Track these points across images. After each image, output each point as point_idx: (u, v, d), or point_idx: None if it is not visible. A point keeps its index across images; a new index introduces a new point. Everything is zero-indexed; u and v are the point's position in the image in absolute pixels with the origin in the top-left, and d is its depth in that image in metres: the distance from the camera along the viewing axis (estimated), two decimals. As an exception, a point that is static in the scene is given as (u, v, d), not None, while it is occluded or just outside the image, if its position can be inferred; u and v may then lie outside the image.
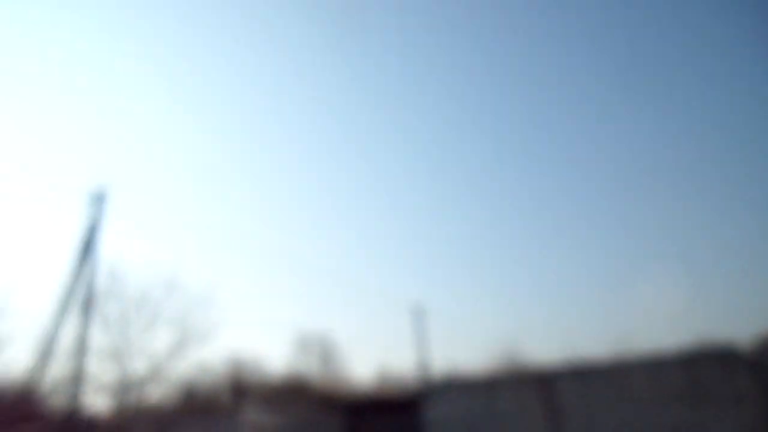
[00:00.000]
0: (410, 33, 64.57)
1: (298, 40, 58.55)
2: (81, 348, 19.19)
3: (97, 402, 20.43)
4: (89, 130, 47.54)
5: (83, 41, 50.58)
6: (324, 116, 64.15)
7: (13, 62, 44.81)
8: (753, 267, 44.16)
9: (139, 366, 22.23)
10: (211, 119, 56.24)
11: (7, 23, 46.19)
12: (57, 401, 18.96)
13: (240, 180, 51.65)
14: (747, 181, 51.52)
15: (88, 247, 19.37)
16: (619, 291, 47.55)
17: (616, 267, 50.51)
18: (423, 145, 69.20)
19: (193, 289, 24.08)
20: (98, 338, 21.08)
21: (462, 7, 61.57)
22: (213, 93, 56.35)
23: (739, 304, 42.82)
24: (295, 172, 59.84)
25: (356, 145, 67.28)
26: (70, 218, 20.04)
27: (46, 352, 18.39)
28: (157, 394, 23.23)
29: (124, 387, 21.60)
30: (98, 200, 18.85)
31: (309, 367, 35.24)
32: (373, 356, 51.86)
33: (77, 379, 18.72)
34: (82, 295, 19.64)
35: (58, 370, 19.23)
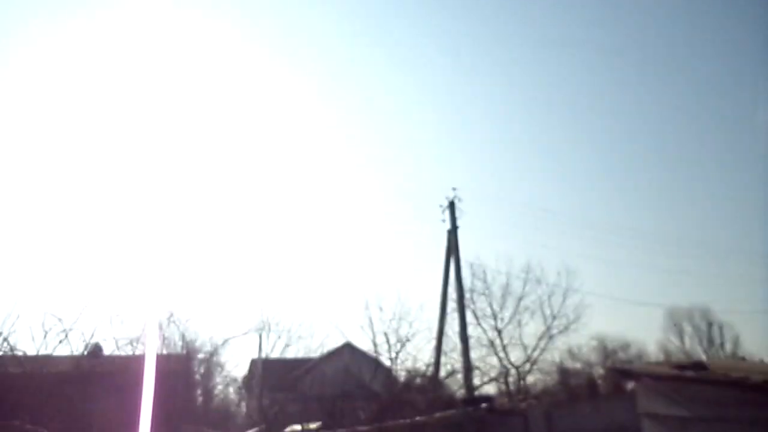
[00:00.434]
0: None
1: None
2: (463, 342, 21.35)
3: (486, 390, 22.27)
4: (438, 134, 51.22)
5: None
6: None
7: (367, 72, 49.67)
8: None
9: (514, 355, 23.48)
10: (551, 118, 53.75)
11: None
12: (453, 389, 21.34)
13: (581, 160, 48.93)
14: None
15: (451, 250, 21.46)
16: None
17: None
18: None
19: (552, 277, 24.28)
20: (476, 332, 23.08)
21: None
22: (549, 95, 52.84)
23: None
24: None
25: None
26: (432, 223, 22.42)
27: (438, 347, 21.08)
28: (535, 380, 24.12)
29: (504, 375, 23.05)
30: (453, 205, 20.90)
31: (683, 347, 31.51)
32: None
33: (466, 369, 20.81)
34: (455, 295, 21.92)
35: (449, 361, 21.75)
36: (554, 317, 24.21)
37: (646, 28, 48.45)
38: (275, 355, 24.02)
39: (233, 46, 44.53)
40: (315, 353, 24.16)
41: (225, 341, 20.53)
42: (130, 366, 12.23)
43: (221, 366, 22.53)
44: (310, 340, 23.50)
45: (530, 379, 24.13)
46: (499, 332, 23.69)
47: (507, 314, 24.03)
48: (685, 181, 47.39)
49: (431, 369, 21.25)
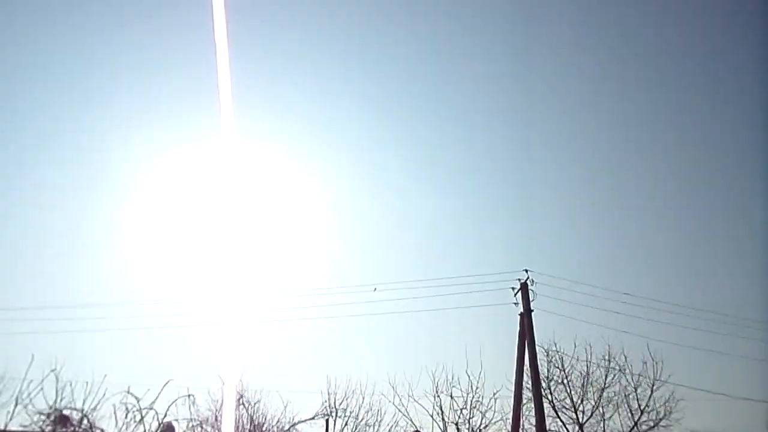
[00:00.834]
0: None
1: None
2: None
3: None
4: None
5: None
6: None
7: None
8: None
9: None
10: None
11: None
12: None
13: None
14: None
15: (524, 334, 20.60)
16: None
17: None
18: None
19: (638, 366, 22.72)
20: (555, 425, 21.65)
21: None
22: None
23: None
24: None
25: None
26: (503, 306, 21.83)
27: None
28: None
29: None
30: (527, 286, 20.27)
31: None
32: None
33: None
34: (531, 383, 20.79)
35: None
36: (642, 411, 22.45)
37: None
38: (342, 441, 23.33)
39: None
40: (382, 442, 23.24)
41: (292, 426, 20.25)
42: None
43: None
44: (377, 428, 22.76)
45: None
46: (581, 426, 22.24)
47: (588, 406, 22.62)
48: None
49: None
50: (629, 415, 22.53)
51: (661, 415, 22.30)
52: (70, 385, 15.20)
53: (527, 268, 22.03)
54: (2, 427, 14.36)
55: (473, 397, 21.33)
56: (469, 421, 20.51)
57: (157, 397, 14.68)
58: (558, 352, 23.19)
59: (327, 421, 22.60)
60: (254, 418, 18.49)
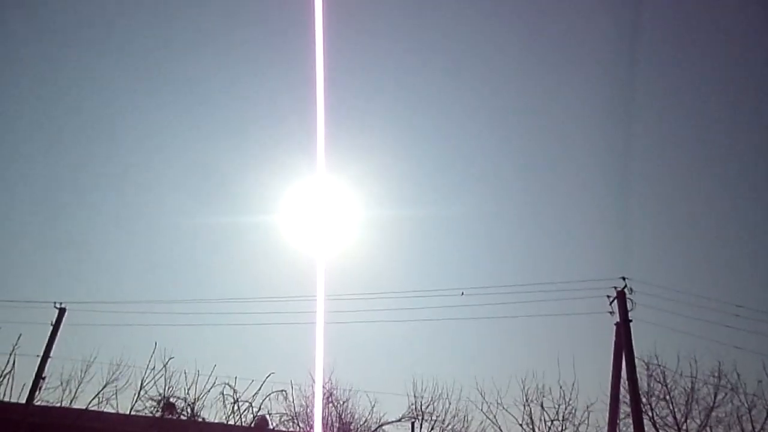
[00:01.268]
0: None
1: None
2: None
3: None
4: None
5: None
6: None
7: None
8: None
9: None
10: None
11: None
12: None
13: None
14: None
15: (621, 345, 19.47)
16: None
17: None
18: None
19: (752, 386, 20.69)
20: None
21: None
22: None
23: None
24: None
25: None
26: (598, 315, 20.71)
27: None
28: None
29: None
30: (624, 295, 19.14)
31: None
32: None
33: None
34: (629, 398, 19.57)
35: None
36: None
37: None
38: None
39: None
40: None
41: (379, 426, 20.50)
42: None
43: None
44: (464, 434, 22.40)
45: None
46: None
47: (693, 426, 21.00)
48: None
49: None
50: (742, 437, 20.58)
51: (779, 440, 20.23)
52: (183, 374, 16.54)
53: (624, 276, 20.89)
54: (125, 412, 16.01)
55: (565, 408, 20.40)
56: (560, 435, 19.63)
57: (257, 391, 15.58)
58: (660, 365, 21.74)
59: (413, 423, 22.64)
60: (343, 416, 18.91)
